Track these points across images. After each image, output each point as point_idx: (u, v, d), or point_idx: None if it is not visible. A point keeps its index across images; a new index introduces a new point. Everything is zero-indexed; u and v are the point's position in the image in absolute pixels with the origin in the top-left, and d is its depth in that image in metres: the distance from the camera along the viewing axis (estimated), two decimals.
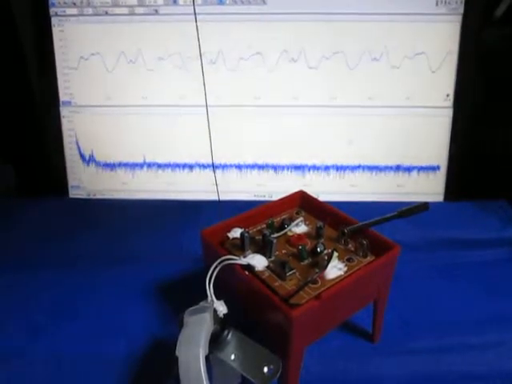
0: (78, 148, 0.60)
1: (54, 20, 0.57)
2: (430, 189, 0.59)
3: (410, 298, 0.45)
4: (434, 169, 0.58)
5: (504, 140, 0.57)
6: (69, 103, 0.59)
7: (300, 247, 0.34)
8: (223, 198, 0.59)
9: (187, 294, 0.33)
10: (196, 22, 0.48)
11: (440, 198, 0.59)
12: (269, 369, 0.29)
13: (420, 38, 0.55)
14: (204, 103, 0.53)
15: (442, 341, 0.40)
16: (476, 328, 0.41)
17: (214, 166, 0.54)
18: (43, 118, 0.60)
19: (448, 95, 0.56)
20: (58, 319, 0.42)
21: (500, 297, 0.45)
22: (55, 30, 0.57)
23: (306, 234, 0.37)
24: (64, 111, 0.59)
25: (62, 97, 0.59)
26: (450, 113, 0.57)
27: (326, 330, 0.33)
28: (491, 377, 0.37)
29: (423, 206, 0.37)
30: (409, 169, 0.58)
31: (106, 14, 0.56)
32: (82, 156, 0.60)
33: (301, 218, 0.39)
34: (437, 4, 0.54)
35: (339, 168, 0.59)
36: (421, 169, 0.58)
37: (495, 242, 0.52)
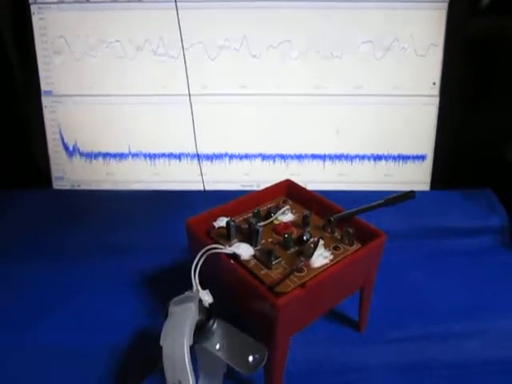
0: (62, 138, 0.59)
1: (33, 8, 0.55)
2: (416, 178, 0.59)
3: (395, 286, 0.45)
4: (421, 158, 0.58)
5: (490, 128, 0.57)
6: (50, 93, 0.58)
7: (286, 235, 0.34)
8: (210, 188, 0.59)
9: (173, 284, 0.32)
10: (177, 9, 0.47)
11: (426, 186, 0.59)
12: (254, 358, 0.29)
13: (406, 26, 0.54)
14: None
15: (427, 329, 0.40)
16: (460, 316, 0.42)
17: (198, 156, 0.53)
18: (24, 108, 0.59)
19: (434, 83, 0.56)
20: (43, 311, 0.42)
21: (484, 285, 0.46)
22: (35, 18, 0.56)
23: (293, 223, 0.37)
24: (45, 101, 0.58)
25: (44, 86, 0.58)
26: (436, 101, 0.57)
27: (311, 319, 0.33)
28: (474, 364, 0.38)
29: (410, 194, 0.37)
30: (395, 158, 0.58)
31: (88, 1, 0.55)
32: (65, 146, 0.59)
33: (287, 207, 0.38)
34: None
35: (326, 157, 0.58)
36: (407, 158, 0.58)
37: (480, 231, 0.53)
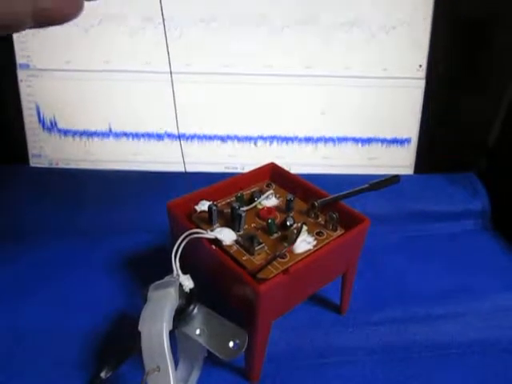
0: (39, 114, 0.57)
1: None
2: (400, 161, 0.59)
3: (377, 269, 0.46)
4: (405, 141, 0.58)
5: (475, 113, 0.57)
6: (27, 66, 0.55)
7: (269, 221, 0.33)
8: (193, 169, 0.57)
9: (153, 267, 0.32)
10: None
11: (410, 170, 0.59)
12: (234, 343, 0.29)
13: (393, 6, 0.53)
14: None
15: (409, 312, 0.41)
16: (441, 299, 0.42)
17: (179, 136, 0.52)
18: None
19: (421, 66, 0.55)
20: (17, 292, 0.41)
21: (465, 268, 0.47)
22: None
23: (276, 207, 0.37)
24: (22, 75, 0.56)
25: (19, 59, 0.55)
26: (422, 84, 0.56)
27: (293, 304, 0.33)
28: (454, 346, 0.38)
29: (394, 179, 0.37)
30: (380, 141, 0.58)
31: None
32: (42, 123, 0.57)
33: (271, 191, 0.38)
34: None
35: (311, 140, 0.58)
36: (392, 141, 0.58)
37: (462, 215, 0.53)
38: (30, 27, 0.21)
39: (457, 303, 0.42)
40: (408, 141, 0.58)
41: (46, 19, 0.21)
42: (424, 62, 0.55)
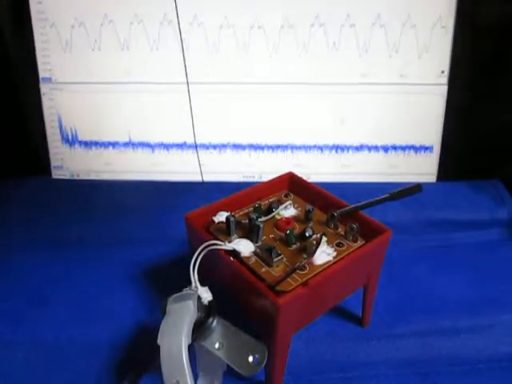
0: (60, 127, 0.58)
1: None
2: (422, 169, 0.58)
3: (400, 280, 0.44)
4: (427, 149, 0.57)
5: (499, 119, 0.55)
6: (49, 79, 0.57)
7: (288, 232, 0.33)
8: (211, 179, 0.57)
9: (173, 277, 0.32)
10: None
11: (433, 178, 0.58)
12: (254, 358, 0.28)
13: (414, 11, 0.52)
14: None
15: (433, 324, 0.40)
16: (467, 311, 0.41)
17: (196, 146, 0.52)
18: (22, 95, 0.57)
19: (443, 71, 0.54)
20: (39, 303, 0.41)
21: (491, 279, 0.45)
22: (32, 2, 0.54)
23: (295, 218, 0.36)
24: (44, 88, 0.57)
25: (42, 73, 0.56)
26: (444, 90, 0.55)
27: (313, 317, 0.33)
28: (481, 361, 0.37)
29: (416, 188, 0.36)
30: (401, 148, 0.57)
31: None
32: (64, 135, 0.58)
33: (289, 201, 0.37)
34: None
35: (331, 148, 0.57)
36: (413, 148, 0.57)
37: (487, 223, 0.52)
38: None
39: (484, 316, 0.40)
40: (430, 148, 0.57)
41: None
42: (447, 67, 0.54)
